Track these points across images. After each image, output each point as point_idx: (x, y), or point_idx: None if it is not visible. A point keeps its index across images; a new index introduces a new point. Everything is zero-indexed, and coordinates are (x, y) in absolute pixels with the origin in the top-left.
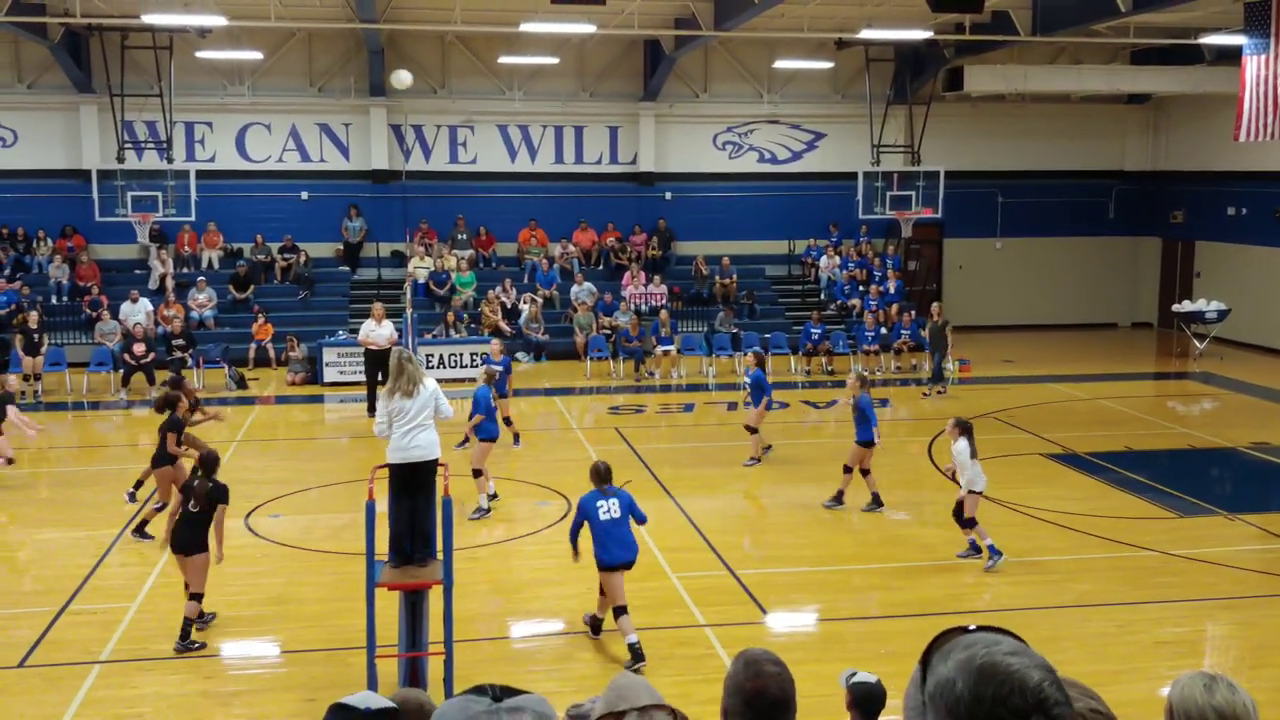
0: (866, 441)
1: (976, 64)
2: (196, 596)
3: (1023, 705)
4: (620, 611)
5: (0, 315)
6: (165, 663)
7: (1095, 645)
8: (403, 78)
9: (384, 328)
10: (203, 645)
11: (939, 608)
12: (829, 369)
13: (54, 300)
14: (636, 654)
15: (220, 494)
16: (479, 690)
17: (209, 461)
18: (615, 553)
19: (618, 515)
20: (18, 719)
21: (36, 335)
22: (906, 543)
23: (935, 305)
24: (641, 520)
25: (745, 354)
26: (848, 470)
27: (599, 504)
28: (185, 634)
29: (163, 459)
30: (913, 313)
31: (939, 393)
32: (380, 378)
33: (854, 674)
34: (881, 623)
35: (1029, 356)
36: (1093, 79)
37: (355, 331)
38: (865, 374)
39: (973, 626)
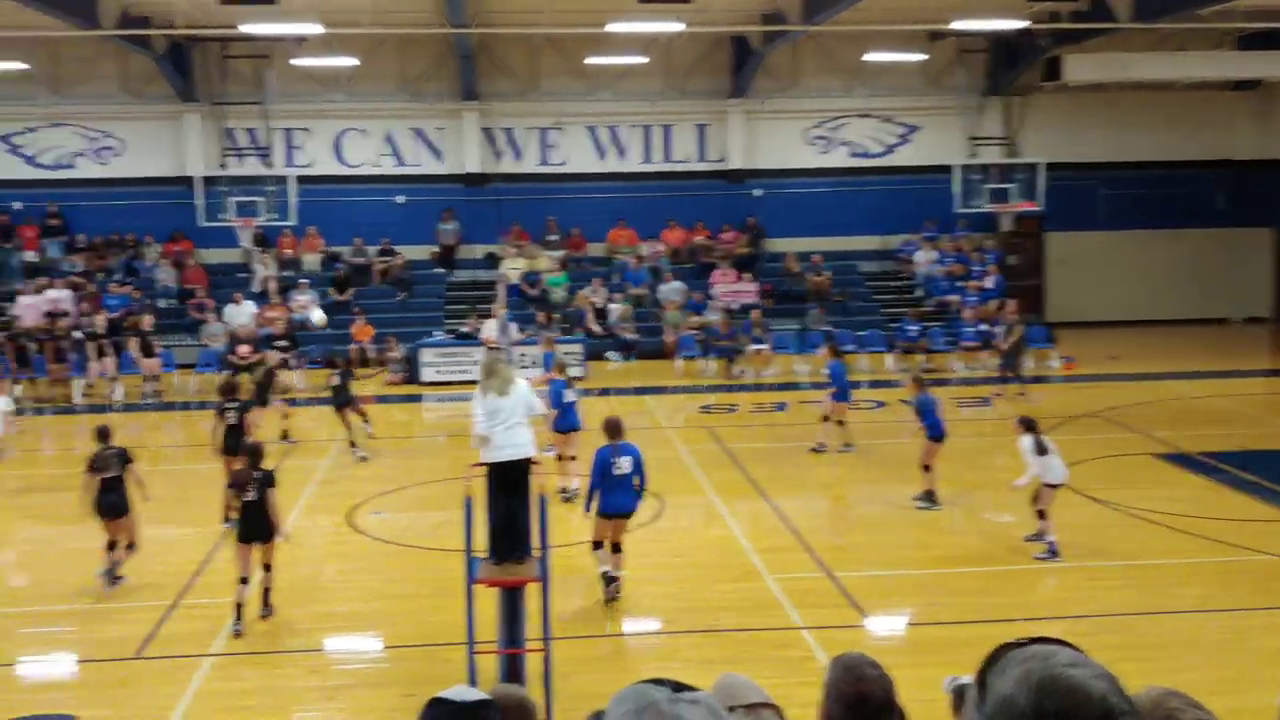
0: (937, 436)
1: (1075, 53)
2: (268, 566)
3: (1089, 718)
4: (598, 546)
5: (113, 319)
6: (272, 656)
7: (1209, 652)
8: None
9: (509, 328)
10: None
11: (1043, 612)
12: (927, 367)
13: (162, 303)
14: (610, 580)
15: (269, 480)
16: (657, 682)
17: (255, 451)
18: (614, 502)
19: (628, 470)
20: (134, 709)
21: (151, 338)
22: (1009, 545)
23: (1010, 303)
24: (643, 483)
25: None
26: (927, 468)
27: (613, 460)
28: (265, 600)
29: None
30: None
31: (1019, 394)
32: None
33: (957, 679)
34: (983, 627)
35: (1135, 353)
36: (1197, 66)
37: (452, 332)
38: (921, 374)
39: (1026, 639)
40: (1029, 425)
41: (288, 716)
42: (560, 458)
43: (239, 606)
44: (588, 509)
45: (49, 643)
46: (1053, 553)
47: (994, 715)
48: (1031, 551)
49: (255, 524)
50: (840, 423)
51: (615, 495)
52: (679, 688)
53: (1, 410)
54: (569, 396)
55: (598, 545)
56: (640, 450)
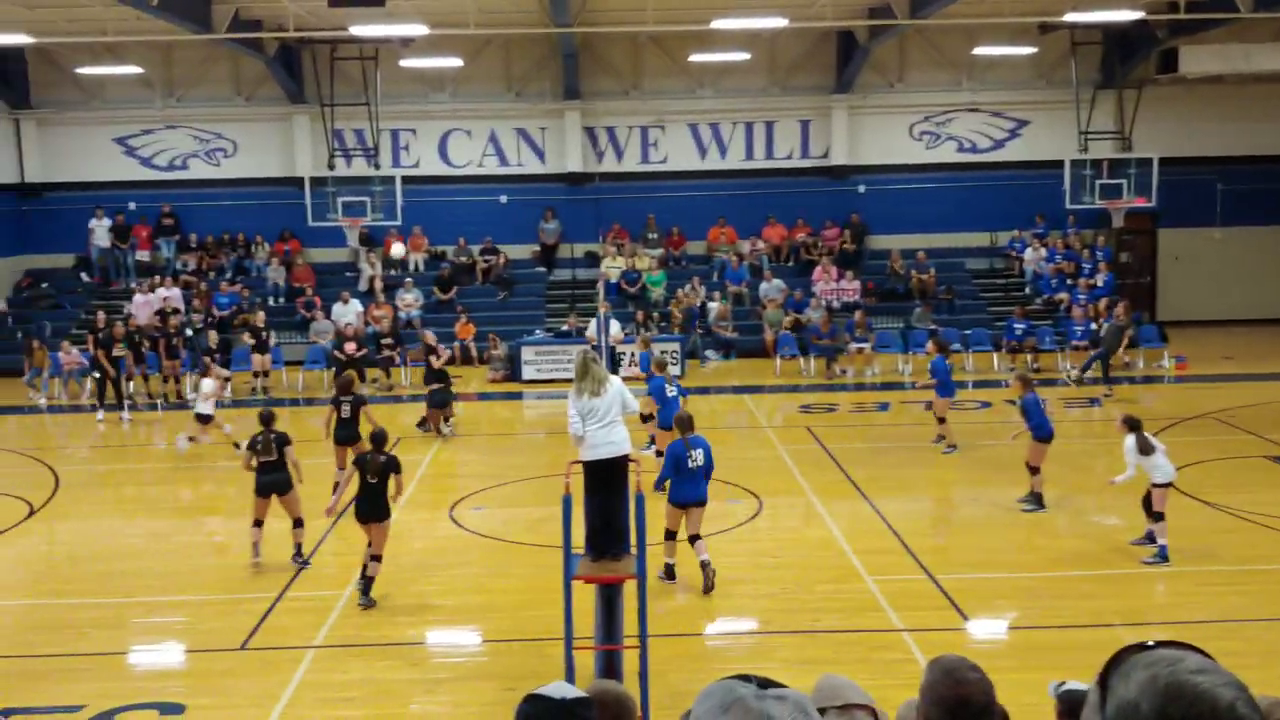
0: (1044, 437)
1: (1192, 44)
2: (378, 558)
3: None
4: (671, 536)
5: (223, 316)
6: (374, 649)
7: None
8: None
9: (610, 327)
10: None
11: (1150, 617)
12: (1034, 367)
13: (271, 301)
14: (670, 573)
15: (394, 465)
16: (744, 677)
17: (380, 437)
18: (690, 493)
19: (701, 463)
20: (239, 699)
21: (264, 334)
22: (1116, 549)
23: (1122, 304)
24: (711, 469)
25: (926, 344)
26: (1035, 469)
27: (688, 453)
28: (366, 590)
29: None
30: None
31: (1105, 395)
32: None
33: (1063, 684)
34: (1088, 632)
35: (1251, 353)
36: None
37: (552, 331)
38: (1028, 373)
39: (1152, 642)
40: (1133, 425)
41: (389, 708)
42: (660, 454)
43: (367, 579)
44: (659, 488)
45: (159, 633)
46: (1163, 557)
47: (1117, 719)
48: (1139, 555)
49: (373, 505)
50: (942, 420)
51: (689, 486)
52: (765, 684)
53: (210, 391)
54: (670, 392)
55: (670, 535)
56: (709, 442)
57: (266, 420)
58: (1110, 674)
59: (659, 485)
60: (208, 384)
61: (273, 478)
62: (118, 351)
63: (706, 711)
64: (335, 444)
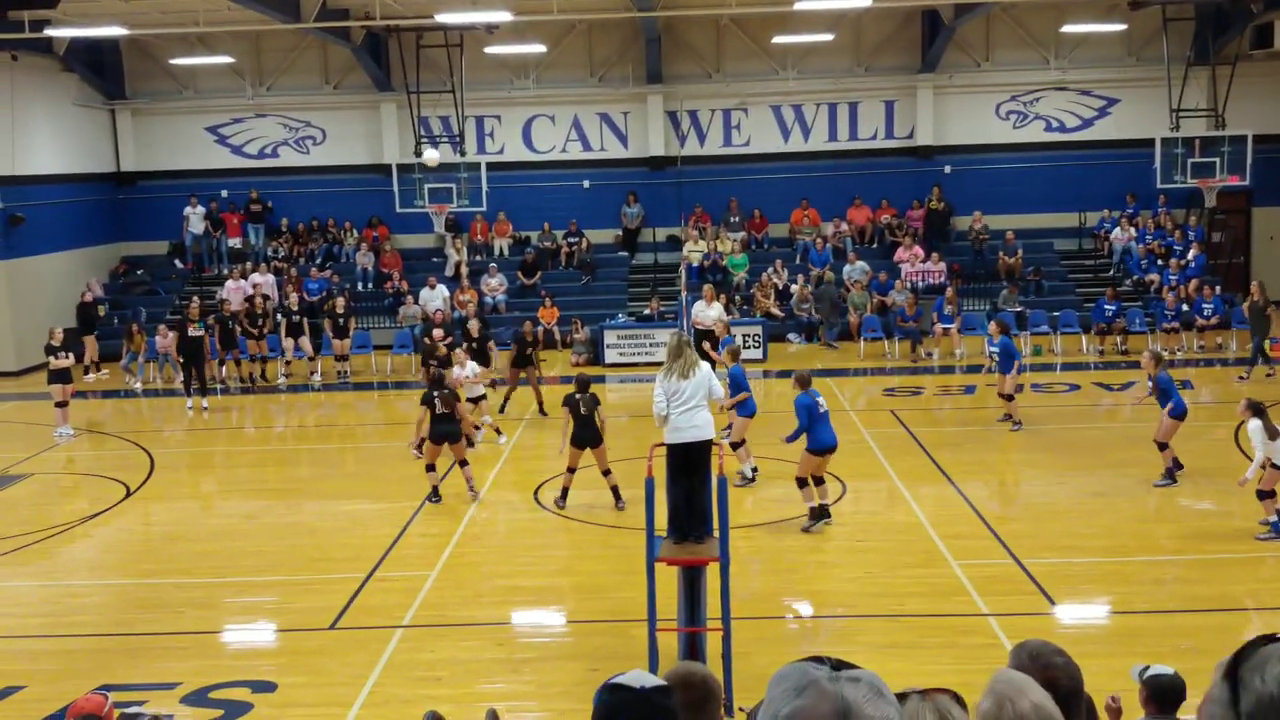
0: (1180, 414)
1: None
2: (608, 471)
3: None
4: (804, 484)
5: (313, 302)
6: (461, 629)
7: None
8: (433, 155)
9: (712, 309)
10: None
11: (1246, 603)
12: (1123, 349)
13: (360, 287)
14: (822, 512)
15: (598, 401)
16: (817, 660)
17: (584, 381)
18: (830, 436)
19: (827, 409)
20: (329, 678)
21: (343, 319)
22: (1209, 534)
23: (1255, 283)
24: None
25: (990, 323)
26: (1164, 446)
27: (817, 400)
28: (618, 496)
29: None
30: (1217, 288)
31: (1268, 375)
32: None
33: (1147, 668)
34: (1180, 617)
35: None
36: None
37: (634, 315)
38: (1161, 351)
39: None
40: (1258, 409)
41: (475, 688)
42: (736, 445)
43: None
44: (791, 440)
45: (252, 612)
46: (1277, 531)
47: (1253, 715)
48: (1238, 537)
49: (593, 433)
50: (1009, 397)
51: (826, 431)
52: (839, 665)
53: (470, 374)
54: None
55: (803, 483)
56: None
57: (437, 382)
58: (1240, 667)
59: (792, 439)
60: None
61: (443, 428)
62: (193, 331)
63: (781, 695)
64: (433, 443)
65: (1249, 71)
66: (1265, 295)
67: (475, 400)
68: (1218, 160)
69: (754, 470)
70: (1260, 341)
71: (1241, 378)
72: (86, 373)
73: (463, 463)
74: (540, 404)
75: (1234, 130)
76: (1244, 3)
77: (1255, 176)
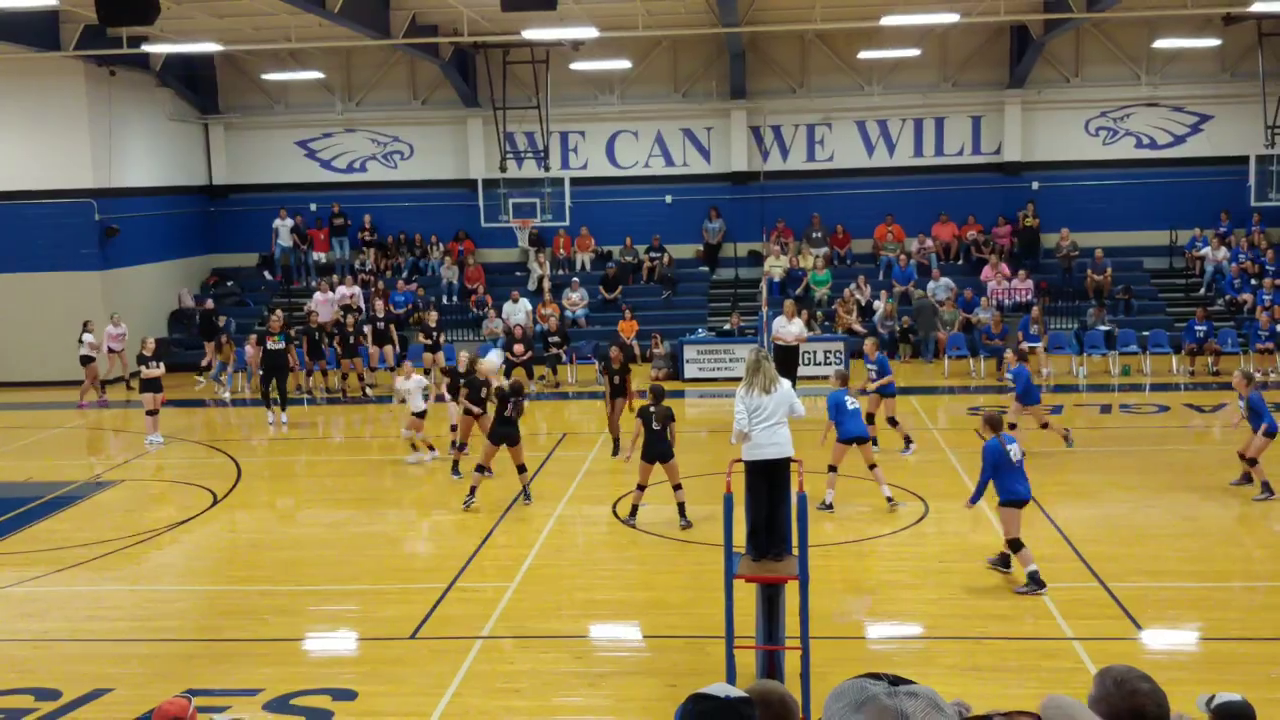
0: (1274, 432)
1: None
2: (678, 486)
3: None
4: (1018, 546)
5: (399, 314)
6: (540, 640)
7: None
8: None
9: (793, 325)
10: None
11: None
12: (1215, 370)
13: (445, 300)
14: (1036, 580)
15: (672, 415)
16: (874, 676)
17: (659, 392)
18: (1024, 488)
19: (1021, 455)
20: (408, 687)
21: (436, 333)
22: None
23: None
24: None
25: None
26: (1253, 462)
27: (1007, 448)
28: (683, 513)
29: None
30: None
31: None
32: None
33: (1213, 698)
34: (1273, 645)
35: None
36: None
37: (714, 330)
38: (1252, 370)
39: None
40: None
41: (553, 700)
42: (833, 468)
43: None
44: (972, 503)
45: (334, 620)
46: None
47: None
48: None
49: (663, 447)
50: (1044, 426)
51: (1021, 482)
52: (896, 681)
53: (409, 387)
54: (850, 405)
55: (1017, 545)
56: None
57: (517, 389)
58: None
59: (975, 498)
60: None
61: (504, 430)
62: (272, 345)
63: (839, 710)
64: (492, 442)
65: None
66: None
67: (419, 415)
68: None
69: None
70: None
71: None
72: (208, 371)
73: (521, 468)
74: (616, 442)
75: None
76: None
77: None
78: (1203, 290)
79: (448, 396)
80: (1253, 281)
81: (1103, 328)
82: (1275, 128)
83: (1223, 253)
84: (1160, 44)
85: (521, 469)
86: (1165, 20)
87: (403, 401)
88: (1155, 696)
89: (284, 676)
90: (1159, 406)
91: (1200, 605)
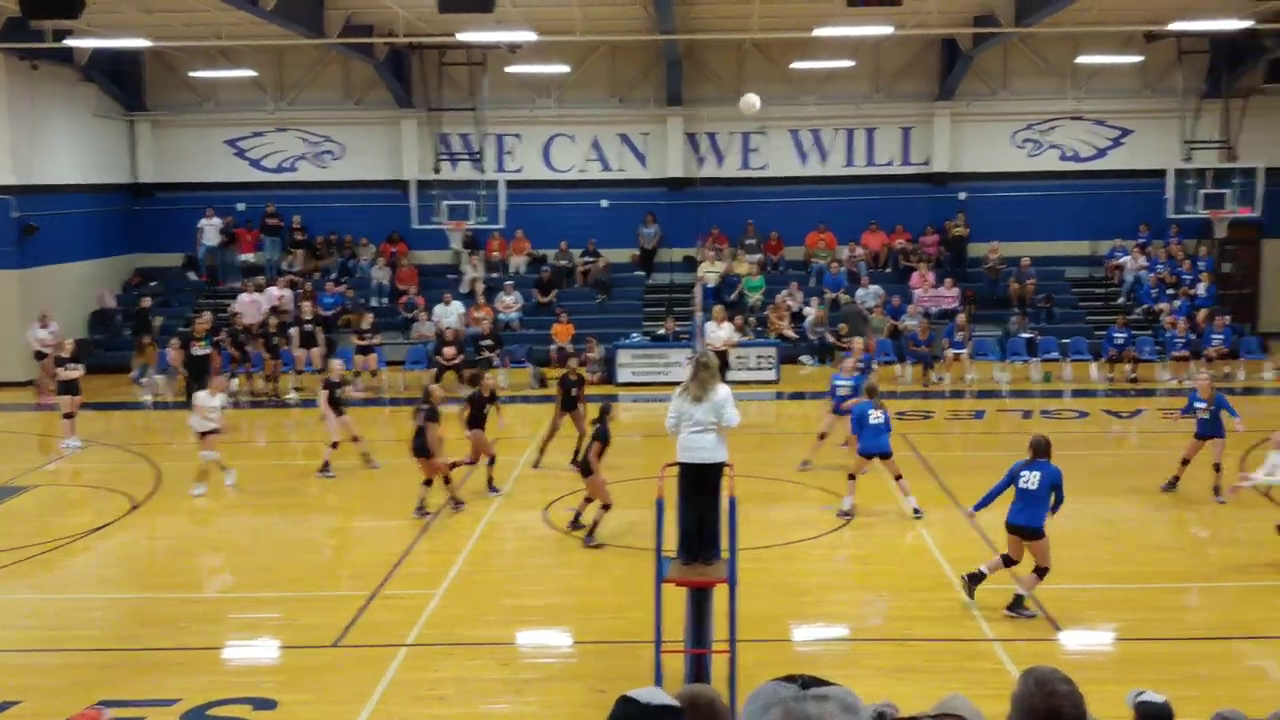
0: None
1: None
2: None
3: None
4: (1008, 562)
5: (327, 316)
6: (466, 648)
7: None
8: (751, 102)
9: (722, 330)
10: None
11: (1252, 630)
12: (1132, 377)
13: (375, 302)
14: (1020, 605)
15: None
16: (789, 678)
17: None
18: (1016, 515)
19: (1034, 486)
20: (332, 695)
21: (369, 335)
22: (1216, 560)
23: None
24: (1059, 501)
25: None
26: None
27: (1022, 473)
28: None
29: (474, 423)
30: (1227, 318)
31: None
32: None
33: (1141, 693)
34: (1183, 645)
35: None
36: None
37: (648, 334)
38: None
39: None
40: None
41: (479, 707)
42: (852, 476)
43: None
44: (974, 510)
45: (255, 628)
46: None
47: None
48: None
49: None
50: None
51: (1016, 506)
52: (809, 683)
53: (215, 405)
54: (875, 418)
55: (1007, 560)
56: (1061, 473)
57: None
58: None
59: (978, 506)
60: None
61: (418, 443)
62: (197, 350)
63: (750, 714)
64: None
65: (1262, 105)
66: None
67: (204, 434)
68: (1229, 192)
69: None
70: None
71: None
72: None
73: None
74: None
75: (1246, 163)
76: (1258, 37)
77: (1266, 209)
78: (1121, 299)
79: (327, 410)
80: (1169, 291)
81: (1025, 335)
82: (1193, 143)
83: (1141, 263)
84: (1084, 59)
85: (449, 476)
86: (1089, 36)
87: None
88: (1073, 698)
89: (203, 686)
90: (1079, 413)
91: (1118, 607)
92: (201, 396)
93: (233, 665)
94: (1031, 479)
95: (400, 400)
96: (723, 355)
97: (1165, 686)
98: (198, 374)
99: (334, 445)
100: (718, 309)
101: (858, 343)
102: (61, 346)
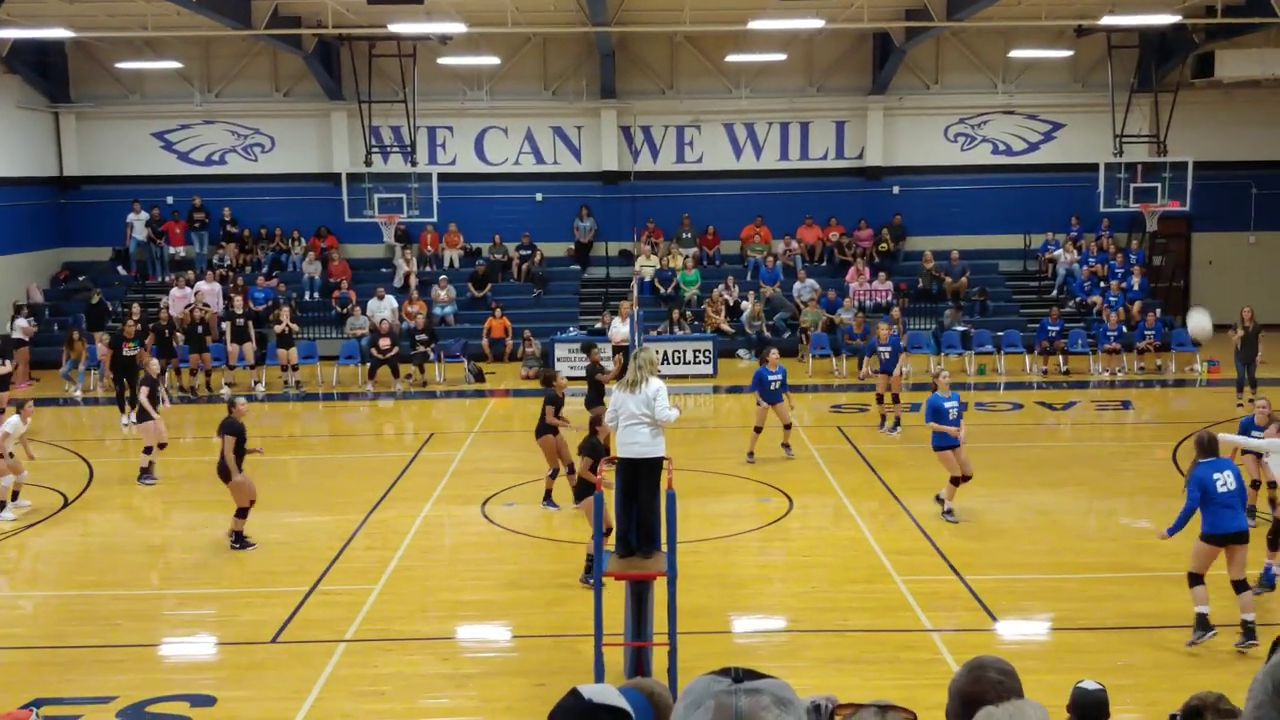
0: None
1: (1229, 48)
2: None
3: None
4: (1197, 580)
5: (258, 311)
6: (405, 643)
7: None
8: None
9: (626, 326)
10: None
11: (1182, 620)
12: (1065, 369)
13: (307, 296)
14: (1204, 625)
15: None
16: (723, 671)
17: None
18: (1228, 521)
19: (1234, 487)
20: (270, 692)
21: (289, 330)
22: (1148, 551)
23: (1246, 310)
24: (1245, 497)
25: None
26: None
27: (1215, 475)
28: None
29: (544, 430)
30: (1158, 310)
31: (1249, 403)
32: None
33: (1080, 683)
34: (1118, 634)
35: None
36: None
37: (585, 328)
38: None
39: None
40: None
41: (419, 702)
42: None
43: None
44: (1171, 533)
45: (192, 625)
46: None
47: (1267, 672)
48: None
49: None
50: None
51: (1225, 514)
52: (744, 677)
53: (8, 431)
54: (953, 413)
55: (1196, 580)
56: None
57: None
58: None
59: (1176, 528)
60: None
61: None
62: (128, 351)
63: (682, 709)
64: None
65: (1190, 100)
66: (1256, 321)
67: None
68: (1159, 186)
69: (949, 511)
70: (1254, 367)
71: (1241, 405)
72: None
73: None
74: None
75: (1175, 157)
76: (1186, 32)
77: (1195, 202)
78: (1054, 293)
79: (152, 411)
80: (1101, 284)
81: (959, 328)
82: (1123, 137)
83: (1074, 256)
84: (1016, 54)
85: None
86: (1021, 31)
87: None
88: (1000, 689)
89: (139, 683)
90: (1013, 404)
91: (1052, 596)
92: (12, 421)
93: (170, 662)
94: (1228, 479)
95: (333, 396)
96: (627, 351)
97: (1098, 675)
98: (126, 372)
99: (161, 446)
100: (624, 304)
101: (881, 329)
102: None
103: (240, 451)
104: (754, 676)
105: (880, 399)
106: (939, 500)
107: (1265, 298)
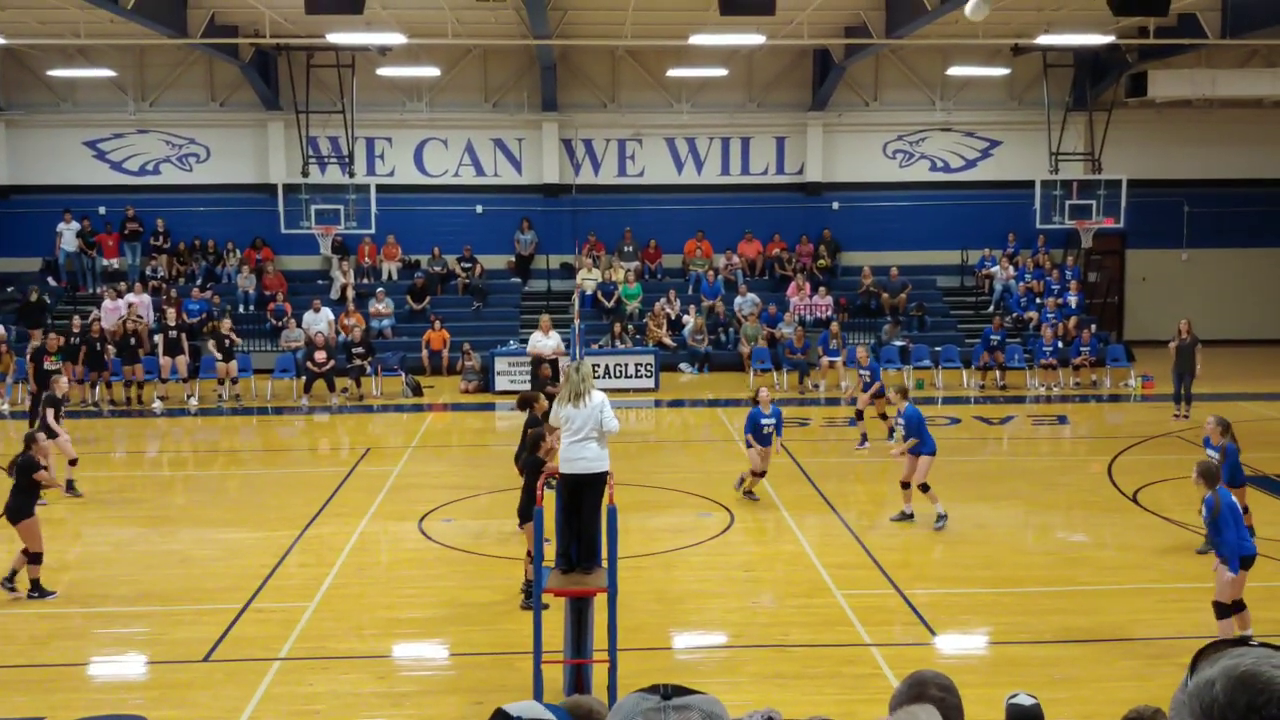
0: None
1: (1162, 69)
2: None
3: (1276, 716)
4: (1236, 608)
5: (192, 323)
6: (341, 662)
7: None
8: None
9: (550, 339)
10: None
11: (1118, 633)
12: (1002, 384)
13: (241, 309)
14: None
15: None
16: (652, 689)
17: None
18: (1249, 544)
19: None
20: (202, 712)
21: (229, 342)
22: (1084, 564)
23: (1184, 322)
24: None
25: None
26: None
27: (1234, 501)
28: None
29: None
30: (1093, 326)
31: (1183, 416)
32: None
33: (1016, 695)
34: (1055, 647)
35: (1216, 373)
36: None
37: (525, 341)
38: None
39: (1255, 641)
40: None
41: None
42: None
43: None
44: (1236, 570)
45: (121, 644)
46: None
47: (1191, 694)
48: (1104, 569)
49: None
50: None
51: (1245, 531)
52: (672, 694)
53: None
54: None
55: (1238, 606)
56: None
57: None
58: (1200, 659)
59: (1237, 557)
60: None
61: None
62: (49, 365)
63: None
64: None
65: (1124, 118)
66: (1193, 334)
67: None
68: (1094, 203)
69: (943, 517)
70: (1190, 381)
71: (1176, 417)
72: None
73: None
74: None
75: (1110, 174)
76: (1120, 52)
77: (1129, 219)
78: (991, 308)
79: (57, 428)
80: (1037, 300)
81: (898, 343)
82: (1059, 155)
83: (1010, 272)
84: (954, 71)
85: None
86: (958, 49)
87: None
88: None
89: (66, 703)
90: (950, 419)
91: (990, 610)
92: None
93: (98, 682)
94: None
95: (267, 410)
96: (553, 364)
97: (1036, 688)
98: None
99: (72, 462)
100: (544, 318)
101: (860, 351)
102: None
103: (34, 491)
104: (683, 693)
105: (860, 416)
106: (906, 515)
107: (1197, 314)
